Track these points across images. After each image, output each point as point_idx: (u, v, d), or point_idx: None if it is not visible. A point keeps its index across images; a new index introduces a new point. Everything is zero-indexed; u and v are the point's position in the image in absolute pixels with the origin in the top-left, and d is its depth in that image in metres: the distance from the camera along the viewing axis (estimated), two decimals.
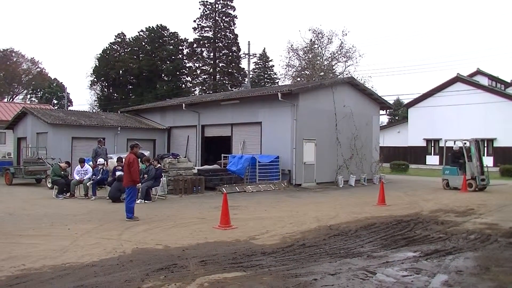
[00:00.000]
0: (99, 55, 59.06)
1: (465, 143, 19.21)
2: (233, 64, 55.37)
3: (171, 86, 55.25)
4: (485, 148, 36.37)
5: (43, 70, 68.65)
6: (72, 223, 9.75)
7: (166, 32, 59.04)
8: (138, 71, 55.78)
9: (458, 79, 38.23)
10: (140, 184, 11.04)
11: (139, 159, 15.23)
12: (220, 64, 55.83)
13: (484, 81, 40.14)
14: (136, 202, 13.18)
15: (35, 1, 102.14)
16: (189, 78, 58.57)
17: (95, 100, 63.53)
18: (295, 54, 44.37)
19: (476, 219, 10.99)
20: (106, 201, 13.86)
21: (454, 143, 19.96)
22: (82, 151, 20.96)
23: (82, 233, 8.67)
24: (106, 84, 60.90)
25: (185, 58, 58.51)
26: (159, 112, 27.69)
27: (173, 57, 57.66)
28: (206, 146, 24.57)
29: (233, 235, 8.58)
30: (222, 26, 54.97)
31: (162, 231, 9.01)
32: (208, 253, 7.05)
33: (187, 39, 58.24)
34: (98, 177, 15.24)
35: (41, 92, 67.08)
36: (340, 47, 42.96)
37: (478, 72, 41.54)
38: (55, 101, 65.92)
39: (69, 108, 58.86)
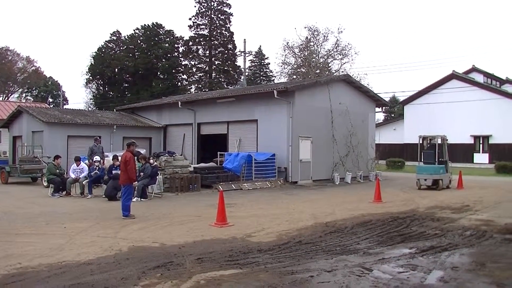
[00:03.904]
0: (94, 53, 58.82)
1: (446, 140, 18.90)
2: (229, 62, 55.28)
3: (167, 84, 55.13)
4: (481, 145, 36.52)
5: (39, 69, 68.49)
6: (68, 222, 9.73)
7: (161, 30, 58.88)
8: (134, 69, 55.63)
9: (453, 76, 38.30)
10: (136, 182, 11.03)
11: (136, 157, 15.24)
12: (216, 62, 55.73)
13: (480, 78, 40.24)
14: (132, 200, 13.20)
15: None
16: (185, 76, 58.45)
17: (90, 99, 63.32)
18: (291, 51, 44.38)
19: (471, 216, 11.04)
20: (102, 200, 13.83)
21: (424, 139, 19.26)
22: (78, 150, 20.87)
23: (78, 231, 8.65)
24: (102, 82, 60.68)
25: (180, 56, 58.36)
26: (155, 110, 27.64)
27: (168, 55, 57.52)
28: (202, 144, 24.55)
29: (229, 233, 8.59)
30: (218, 24, 54.85)
31: (158, 229, 9.01)
32: (204, 251, 7.05)
33: (183, 37, 58.14)
34: (94, 173, 15.15)
35: (37, 91, 66.77)
36: (336, 45, 42.98)
37: (474, 69, 41.64)
38: (51, 100, 65.65)
39: (65, 106, 58.70)
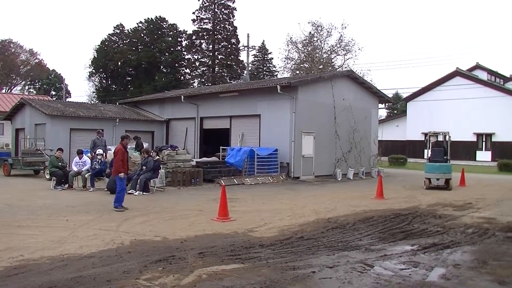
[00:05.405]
0: (97, 47, 58.75)
1: (449, 136, 17.93)
2: (232, 57, 55.16)
3: (169, 78, 55.05)
4: (484, 143, 36.44)
5: (42, 61, 68.31)
6: (70, 215, 9.74)
7: (165, 23, 58.73)
8: (137, 62, 55.57)
9: (457, 73, 38.19)
10: (122, 174, 10.87)
11: (138, 151, 15.25)
12: (219, 56, 55.62)
13: (483, 75, 40.10)
14: (135, 194, 13.25)
15: None
16: (188, 70, 58.37)
17: (93, 92, 63.36)
18: (294, 47, 44.33)
19: (474, 213, 11.02)
20: (105, 193, 13.82)
21: (431, 136, 18.17)
22: (81, 143, 20.86)
23: (80, 224, 8.67)
24: (105, 75, 60.69)
25: (184, 50, 58.24)
26: (157, 104, 27.62)
27: (172, 49, 57.40)
28: (205, 138, 24.54)
29: (231, 227, 8.59)
30: (221, 18, 54.68)
31: (160, 223, 9.01)
32: (206, 245, 7.05)
33: (186, 31, 57.99)
34: (95, 166, 15.14)
35: (39, 83, 66.80)
36: (339, 40, 42.93)
37: (477, 67, 41.50)
38: (53, 93, 65.69)
39: (68, 99, 58.75)
